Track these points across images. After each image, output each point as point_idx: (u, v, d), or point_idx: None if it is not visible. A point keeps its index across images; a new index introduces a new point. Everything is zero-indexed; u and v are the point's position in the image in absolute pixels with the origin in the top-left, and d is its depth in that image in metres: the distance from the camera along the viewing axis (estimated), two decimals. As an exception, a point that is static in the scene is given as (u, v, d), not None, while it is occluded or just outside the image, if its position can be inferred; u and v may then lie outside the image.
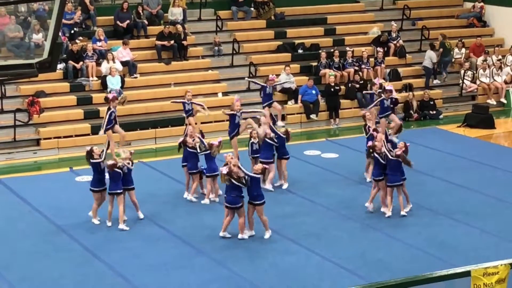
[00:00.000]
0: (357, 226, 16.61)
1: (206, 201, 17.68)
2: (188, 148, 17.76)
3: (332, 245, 15.66)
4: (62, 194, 18.33)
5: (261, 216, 15.83)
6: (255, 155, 18.47)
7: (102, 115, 22.75)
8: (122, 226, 16.29)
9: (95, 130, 22.31)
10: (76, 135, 22.22)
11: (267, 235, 15.92)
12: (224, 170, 15.62)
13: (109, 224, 16.34)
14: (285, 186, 18.67)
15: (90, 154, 16.61)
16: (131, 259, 15.01)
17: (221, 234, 15.85)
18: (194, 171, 17.74)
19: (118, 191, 16.26)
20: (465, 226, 16.73)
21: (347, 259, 15.01)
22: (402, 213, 16.96)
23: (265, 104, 19.32)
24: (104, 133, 17.56)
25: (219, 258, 15.05)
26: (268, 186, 18.20)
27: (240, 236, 15.76)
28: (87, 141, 21.99)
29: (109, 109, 17.50)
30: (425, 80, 27.11)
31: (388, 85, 19.79)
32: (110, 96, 17.64)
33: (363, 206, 17.40)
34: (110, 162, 16.41)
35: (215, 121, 23.69)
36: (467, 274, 8.05)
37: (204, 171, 17.75)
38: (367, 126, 18.99)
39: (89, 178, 19.19)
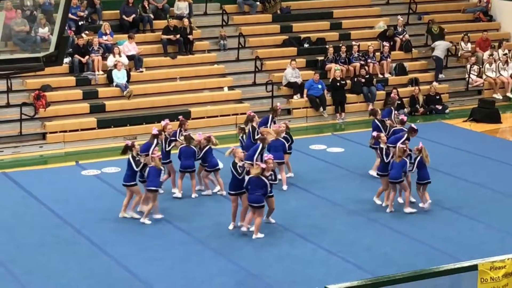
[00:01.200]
0: (362, 220, 16.60)
1: (208, 192, 17.78)
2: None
3: (338, 239, 15.67)
4: (68, 188, 18.35)
5: (273, 205, 16.00)
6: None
7: (108, 109, 22.87)
8: (145, 219, 16.35)
9: (101, 124, 22.35)
10: (82, 129, 22.23)
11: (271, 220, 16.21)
12: (262, 165, 15.58)
13: (159, 216, 16.42)
14: (290, 174, 18.71)
15: (130, 148, 16.58)
16: (137, 252, 15.03)
17: (243, 228, 15.86)
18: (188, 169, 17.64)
19: (158, 188, 16.36)
20: (471, 220, 16.72)
21: (353, 253, 15.02)
22: (423, 206, 17.13)
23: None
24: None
25: (225, 252, 15.06)
26: (284, 186, 18.18)
27: (244, 228, 15.75)
28: (93, 135, 22.08)
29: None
30: (435, 72, 27.05)
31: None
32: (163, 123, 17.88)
33: (368, 200, 17.41)
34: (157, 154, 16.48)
35: (221, 115, 23.73)
36: (474, 268, 8.03)
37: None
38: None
39: (95, 172, 19.26)
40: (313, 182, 18.72)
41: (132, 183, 16.46)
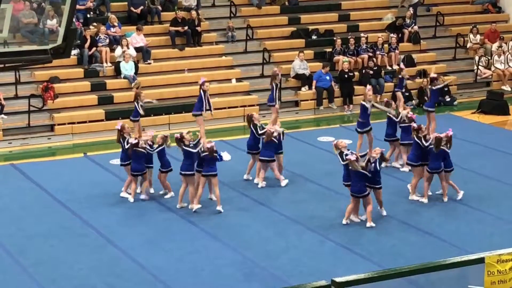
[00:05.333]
0: (370, 213, 16.60)
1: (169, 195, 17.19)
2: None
3: (346, 231, 15.67)
4: (76, 179, 18.39)
5: (379, 197, 16.06)
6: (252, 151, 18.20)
7: (116, 101, 22.91)
8: (196, 206, 16.47)
9: (109, 116, 22.39)
10: (90, 121, 22.28)
11: (384, 212, 16.22)
12: (353, 157, 15.59)
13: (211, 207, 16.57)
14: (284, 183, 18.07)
15: (121, 131, 16.64)
16: (144, 244, 15.06)
17: (344, 221, 15.90)
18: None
19: (214, 172, 16.34)
20: (479, 212, 16.70)
21: (361, 245, 15.03)
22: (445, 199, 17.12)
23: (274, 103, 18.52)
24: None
25: (233, 243, 15.09)
26: (283, 182, 17.96)
27: (368, 224, 15.79)
28: (101, 127, 22.12)
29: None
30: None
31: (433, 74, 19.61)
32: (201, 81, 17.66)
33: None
34: (209, 145, 16.39)
35: (229, 107, 23.73)
36: (481, 261, 8.01)
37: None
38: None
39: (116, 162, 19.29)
40: (321, 173, 18.71)
41: (189, 172, 16.55)
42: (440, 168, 16.89)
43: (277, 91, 18.48)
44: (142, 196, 17.04)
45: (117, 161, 18.63)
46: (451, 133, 16.95)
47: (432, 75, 19.79)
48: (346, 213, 15.92)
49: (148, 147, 17.09)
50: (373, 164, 15.76)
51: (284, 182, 17.93)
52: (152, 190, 17.36)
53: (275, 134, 17.73)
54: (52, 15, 21.26)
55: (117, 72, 23.61)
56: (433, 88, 19.55)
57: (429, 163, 16.91)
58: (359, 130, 18.49)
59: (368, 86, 19.44)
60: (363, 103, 18.32)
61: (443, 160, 16.89)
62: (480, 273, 8.06)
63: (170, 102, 23.41)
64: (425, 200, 17.06)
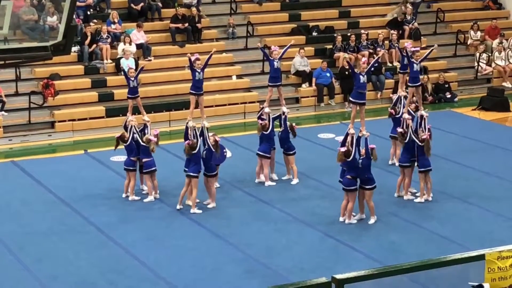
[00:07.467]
0: (371, 209, 16.61)
1: (150, 198, 17.01)
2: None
3: (347, 228, 15.67)
4: (76, 176, 18.39)
5: (369, 201, 15.82)
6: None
7: (116, 98, 22.89)
8: (194, 210, 16.36)
9: (109, 113, 22.38)
10: (91, 118, 22.28)
11: (372, 220, 15.87)
12: (343, 148, 15.64)
13: (179, 207, 16.45)
14: (294, 181, 17.95)
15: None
16: (145, 241, 15.07)
17: (341, 219, 15.87)
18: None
19: (195, 174, 16.26)
20: (480, 209, 16.70)
21: (362, 242, 15.03)
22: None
23: (272, 84, 18.31)
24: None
25: (233, 240, 15.09)
26: (267, 182, 17.81)
27: (347, 221, 15.76)
28: (102, 124, 22.11)
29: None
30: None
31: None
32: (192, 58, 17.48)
33: (376, 189, 17.37)
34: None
35: (229, 104, 23.72)
36: (481, 257, 8.02)
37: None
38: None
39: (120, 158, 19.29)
40: (321, 170, 18.71)
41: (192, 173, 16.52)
42: (405, 162, 16.88)
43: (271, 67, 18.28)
44: (131, 197, 17.02)
45: (117, 158, 18.67)
46: (425, 137, 16.71)
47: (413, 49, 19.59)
48: (341, 210, 15.90)
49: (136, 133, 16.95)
50: (360, 160, 15.75)
51: (267, 183, 17.80)
52: (157, 195, 17.15)
53: (266, 110, 17.62)
54: (52, 12, 21.22)
55: (118, 69, 23.59)
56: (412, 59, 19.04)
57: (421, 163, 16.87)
58: (352, 99, 17.30)
59: (364, 59, 18.87)
60: (357, 72, 17.29)
61: (412, 156, 16.79)
62: (481, 270, 8.07)
63: (171, 99, 23.39)
64: (395, 194, 17.08)
